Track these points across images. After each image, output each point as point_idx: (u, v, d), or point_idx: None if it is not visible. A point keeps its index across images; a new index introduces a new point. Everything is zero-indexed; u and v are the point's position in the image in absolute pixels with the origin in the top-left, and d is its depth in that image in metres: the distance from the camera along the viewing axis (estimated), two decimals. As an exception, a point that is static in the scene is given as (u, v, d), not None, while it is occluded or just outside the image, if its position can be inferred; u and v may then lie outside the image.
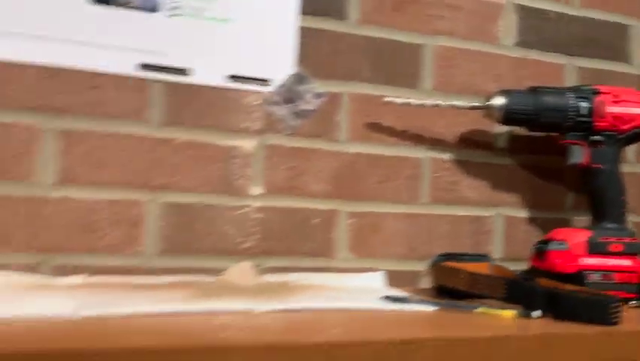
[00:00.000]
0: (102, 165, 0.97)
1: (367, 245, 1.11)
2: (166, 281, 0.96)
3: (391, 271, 1.10)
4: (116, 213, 0.97)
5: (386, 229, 1.13)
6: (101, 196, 0.96)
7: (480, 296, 0.98)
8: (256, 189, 1.05)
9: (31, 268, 0.93)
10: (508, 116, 1.08)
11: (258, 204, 1.05)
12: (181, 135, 1.01)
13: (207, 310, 0.82)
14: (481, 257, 1.08)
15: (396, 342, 0.72)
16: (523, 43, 1.22)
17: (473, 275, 1.00)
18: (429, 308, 0.92)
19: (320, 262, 1.08)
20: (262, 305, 0.85)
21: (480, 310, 0.91)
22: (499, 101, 1.07)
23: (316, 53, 1.08)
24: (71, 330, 0.70)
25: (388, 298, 0.94)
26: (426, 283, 1.13)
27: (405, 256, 1.13)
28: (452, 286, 1.01)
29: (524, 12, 1.22)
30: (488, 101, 1.08)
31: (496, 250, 1.19)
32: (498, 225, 1.20)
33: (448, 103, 1.09)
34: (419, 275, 1.14)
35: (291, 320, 0.81)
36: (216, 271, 1.00)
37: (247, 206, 1.04)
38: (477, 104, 1.09)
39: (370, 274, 1.08)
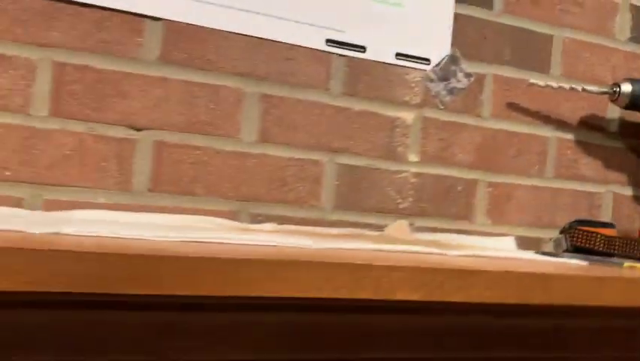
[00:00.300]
0: (292, 127, 1.09)
1: (501, 212, 1.25)
2: (340, 232, 1.09)
3: (519, 237, 1.23)
4: (302, 171, 1.10)
5: (517, 199, 1.26)
6: (290, 155, 1.09)
7: (613, 256, 1.12)
8: (413, 157, 1.18)
9: (233, 215, 1.06)
10: (634, 101, 1.21)
11: (414, 170, 1.18)
12: (355, 105, 1.14)
13: (404, 250, 0.94)
14: (608, 225, 1.22)
15: (589, 278, 0.86)
16: (635, 39, 1.36)
17: (609, 238, 1.13)
18: (581, 262, 1.05)
19: (461, 225, 1.22)
20: (447, 251, 0.97)
21: (627, 264, 1.05)
22: (627, 87, 1.21)
23: (466, 37, 1.21)
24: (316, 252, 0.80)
25: (543, 253, 1.08)
26: (549, 248, 1.27)
27: (532, 224, 1.27)
28: (589, 247, 1.14)
29: (637, 11, 1.36)
30: (617, 87, 1.22)
31: (605, 223, 1.33)
32: (607, 201, 1.34)
33: (581, 87, 1.23)
34: (542, 241, 1.27)
35: (482, 261, 0.93)
36: (377, 227, 1.13)
37: (405, 171, 1.17)
38: (606, 89, 1.23)
39: (504, 238, 1.22)
